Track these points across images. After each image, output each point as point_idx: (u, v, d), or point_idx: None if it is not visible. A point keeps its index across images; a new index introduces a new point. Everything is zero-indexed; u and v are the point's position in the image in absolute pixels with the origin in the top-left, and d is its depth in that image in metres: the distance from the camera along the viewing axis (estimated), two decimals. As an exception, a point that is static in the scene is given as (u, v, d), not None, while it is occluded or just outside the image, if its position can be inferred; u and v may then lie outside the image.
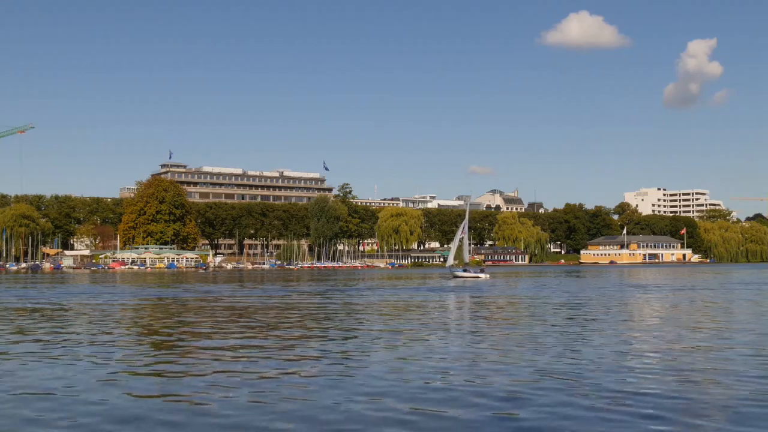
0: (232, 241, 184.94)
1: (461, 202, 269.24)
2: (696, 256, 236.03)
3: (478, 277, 74.41)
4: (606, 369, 15.07)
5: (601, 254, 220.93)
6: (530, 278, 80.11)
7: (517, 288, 55.59)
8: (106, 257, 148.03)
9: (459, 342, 20.15)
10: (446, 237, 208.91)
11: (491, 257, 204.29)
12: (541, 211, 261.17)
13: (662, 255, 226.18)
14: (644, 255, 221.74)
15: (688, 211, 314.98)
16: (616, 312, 30.98)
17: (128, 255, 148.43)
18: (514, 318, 28.53)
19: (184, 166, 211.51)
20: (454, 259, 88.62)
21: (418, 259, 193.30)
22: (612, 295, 44.40)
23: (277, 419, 10.91)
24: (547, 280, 74.03)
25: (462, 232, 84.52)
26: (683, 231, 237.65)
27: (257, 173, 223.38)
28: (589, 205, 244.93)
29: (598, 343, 19.42)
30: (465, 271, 78.12)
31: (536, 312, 31.28)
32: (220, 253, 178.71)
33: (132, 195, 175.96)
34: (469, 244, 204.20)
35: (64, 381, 14.01)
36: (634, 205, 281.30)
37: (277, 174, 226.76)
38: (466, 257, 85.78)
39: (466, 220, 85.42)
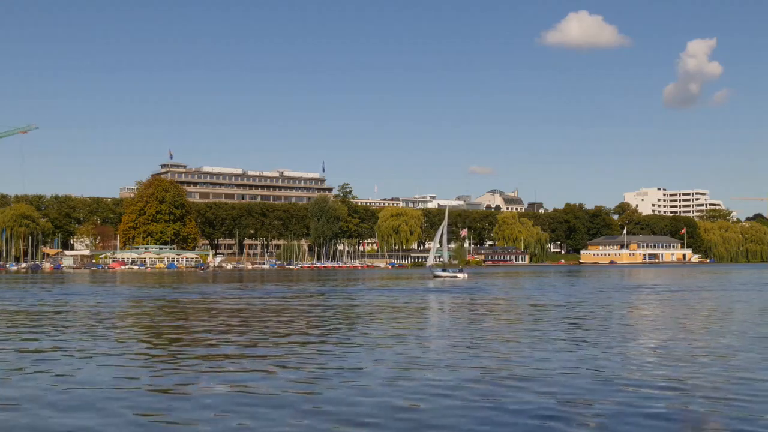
0: (232, 241, 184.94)
1: (461, 202, 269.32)
2: (696, 256, 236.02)
3: (456, 276, 76.27)
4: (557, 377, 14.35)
5: (601, 254, 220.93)
6: (513, 278, 79.86)
7: (495, 289, 55.47)
8: (106, 257, 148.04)
9: (429, 344, 20.14)
10: (446, 237, 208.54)
11: (491, 257, 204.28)
12: (541, 211, 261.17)
13: (662, 255, 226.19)
14: (644, 255, 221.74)
15: (688, 211, 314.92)
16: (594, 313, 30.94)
17: (128, 255, 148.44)
18: (481, 319, 28.50)
19: (184, 166, 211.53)
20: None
21: (418, 259, 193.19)
22: (604, 295, 44.39)
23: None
24: (533, 280, 74.02)
25: (441, 234, 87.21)
26: (683, 231, 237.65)
27: (257, 173, 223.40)
28: (589, 205, 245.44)
29: (561, 347, 18.90)
30: (444, 270, 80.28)
31: (512, 314, 31.27)
32: (220, 253, 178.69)
33: (132, 195, 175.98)
34: (469, 244, 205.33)
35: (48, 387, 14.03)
36: (634, 205, 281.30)
37: (277, 174, 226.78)
38: (446, 257, 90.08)
39: (444, 222, 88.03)
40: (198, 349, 18.63)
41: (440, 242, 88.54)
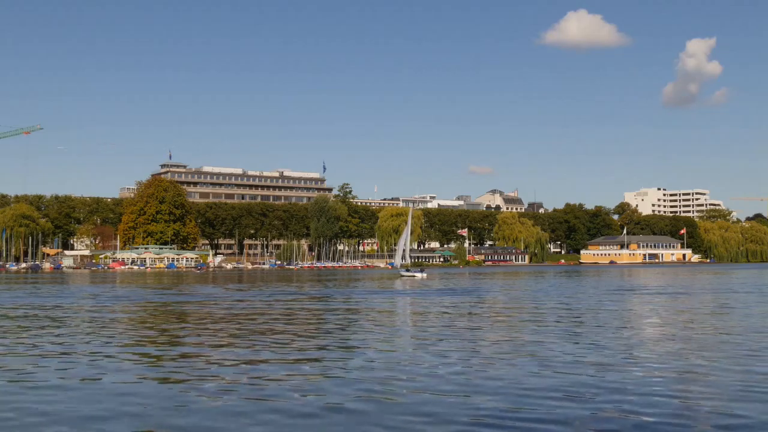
0: (232, 241, 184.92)
1: (461, 202, 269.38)
2: (696, 256, 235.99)
3: (414, 276, 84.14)
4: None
5: (601, 254, 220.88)
6: (481, 279, 79.57)
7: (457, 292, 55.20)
8: (106, 257, 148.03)
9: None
10: (446, 237, 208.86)
11: (491, 257, 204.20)
12: (541, 211, 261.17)
13: (662, 255, 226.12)
14: (644, 255, 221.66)
15: (688, 211, 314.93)
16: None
17: (128, 255, 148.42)
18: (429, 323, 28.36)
19: (184, 166, 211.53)
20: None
21: (418, 259, 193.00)
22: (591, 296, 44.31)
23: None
24: (508, 280, 73.94)
25: (405, 236, 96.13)
26: (683, 231, 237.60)
27: (257, 173, 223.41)
28: (589, 205, 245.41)
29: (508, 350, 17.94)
30: (408, 271, 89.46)
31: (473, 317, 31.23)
32: (220, 253, 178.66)
33: (132, 195, 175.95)
34: (470, 244, 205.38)
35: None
36: (634, 205, 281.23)
37: (277, 174, 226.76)
38: (408, 258, 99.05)
39: (408, 224, 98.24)
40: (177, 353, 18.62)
41: (405, 242, 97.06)
